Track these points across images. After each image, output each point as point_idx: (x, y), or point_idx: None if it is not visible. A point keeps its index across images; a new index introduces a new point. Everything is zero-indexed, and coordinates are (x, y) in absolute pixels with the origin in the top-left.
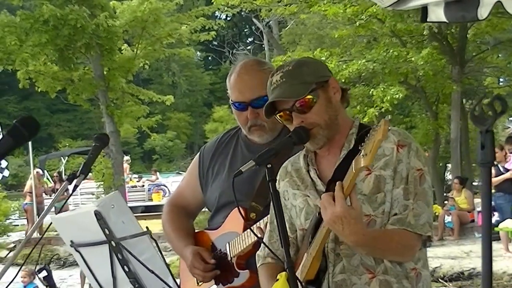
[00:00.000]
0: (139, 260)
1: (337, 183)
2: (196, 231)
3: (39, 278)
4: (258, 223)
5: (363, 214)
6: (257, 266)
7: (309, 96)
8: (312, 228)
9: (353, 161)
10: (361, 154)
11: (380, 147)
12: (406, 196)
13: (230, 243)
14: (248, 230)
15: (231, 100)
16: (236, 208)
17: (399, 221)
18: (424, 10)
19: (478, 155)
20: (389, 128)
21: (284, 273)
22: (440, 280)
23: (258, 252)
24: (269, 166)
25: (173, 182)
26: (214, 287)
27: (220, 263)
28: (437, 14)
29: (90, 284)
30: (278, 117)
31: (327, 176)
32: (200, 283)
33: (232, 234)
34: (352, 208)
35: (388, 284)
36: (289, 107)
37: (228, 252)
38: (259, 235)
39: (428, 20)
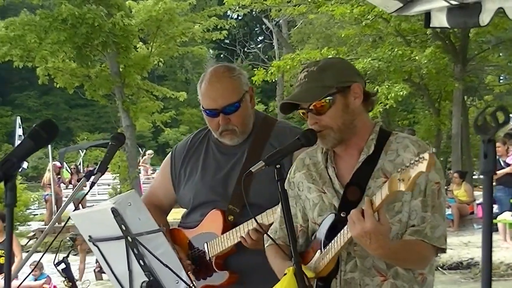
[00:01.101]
0: (154, 255)
1: (366, 199)
2: (171, 228)
3: (58, 270)
4: (238, 227)
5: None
6: (265, 246)
7: (326, 99)
8: (328, 228)
9: (388, 182)
10: (398, 177)
11: (399, 156)
12: (424, 209)
13: (208, 243)
14: (229, 232)
15: (203, 107)
16: (213, 210)
17: (416, 232)
18: (427, 15)
19: (480, 164)
20: (405, 135)
21: (291, 268)
22: (439, 268)
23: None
24: (278, 166)
25: None
26: None
27: (198, 261)
28: (440, 20)
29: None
30: (300, 113)
31: (344, 176)
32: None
33: (210, 235)
34: (381, 224)
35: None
36: (305, 107)
37: (207, 252)
38: (251, 235)
39: (431, 25)
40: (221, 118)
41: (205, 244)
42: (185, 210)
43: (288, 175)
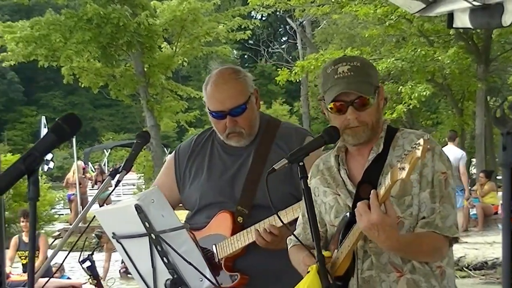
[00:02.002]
0: (177, 252)
1: (371, 191)
2: None
3: (83, 268)
4: (249, 228)
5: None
6: (289, 247)
7: (370, 96)
8: (343, 227)
9: (390, 172)
10: (398, 166)
11: (405, 151)
12: (432, 200)
13: (217, 245)
14: (238, 233)
15: (209, 109)
16: (222, 212)
17: (427, 224)
18: (450, 16)
19: (499, 157)
20: (411, 131)
21: (314, 265)
22: (464, 269)
23: (290, 237)
24: (301, 164)
25: None
26: None
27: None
28: (463, 20)
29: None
30: (333, 105)
31: (356, 176)
32: None
33: (219, 237)
34: (387, 216)
35: (416, 283)
36: (349, 100)
37: (216, 254)
38: (262, 235)
39: (454, 26)
40: (228, 120)
41: (214, 246)
42: (188, 211)
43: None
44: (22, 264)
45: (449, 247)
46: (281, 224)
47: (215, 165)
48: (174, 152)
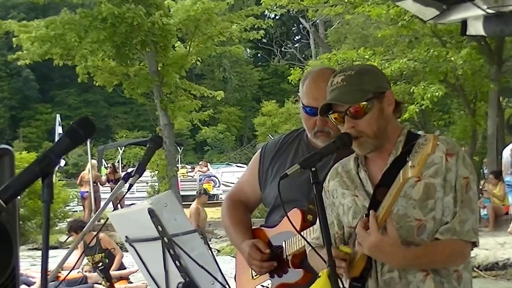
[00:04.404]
0: (190, 256)
1: (370, 213)
2: (253, 227)
3: (96, 271)
4: (307, 229)
5: (414, 218)
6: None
7: (363, 103)
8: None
9: (401, 170)
10: (409, 164)
11: (415, 150)
12: (454, 204)
13: (287, 241)
14: (306, 230)
15: (303, 104)
16: (293, 209)
17: (446, 230)
18: (464, 23)
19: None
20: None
21: (325, 270)
22: (475, 269)
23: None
24: (313, 169)
25: (223, 172)
26: (268, 282)
27: (275, 259)
28: (476, 28)
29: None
30: (332, 117)
31: (375, 177)
32: (255, 277)
33: (289, 234)
34: (387, 236)
35: (441, 282)
36: (343, 110)
37: (285, 250)
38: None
39: (467, 33)
40: (318, 118)
41: (283, 242)
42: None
43: (324, 184)
44: (93, 267)
45: (470, 250)
46: None
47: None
48: (260, 149)
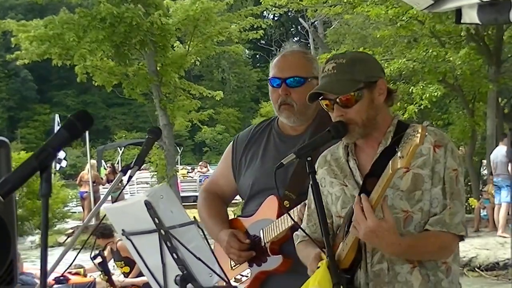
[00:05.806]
0: (187, 248)
1: (362, 197)
2: (230, 218)
3: (94, 264)
4: (292, 210)
5: (401, 210)
6: (296, 243)
7: (353, 93)
8: (349, 218)
9: (390, 161)
10: (398, 155)
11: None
12: (444, 196)
13: (264, 229)
14: (283, 216)
15: (269, 78)
16: (270, 197)
17: (436, 221)
18: (458, 12)
19: (507, 153)
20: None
21: (324, 261)
22: (476, 269)
23: (296, 232)
24: (309, 159)
25: None
26: (247, 271)
27: (254, 248)
28: (471, 16)
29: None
30: (323, 104)
31: (365, 167)
32: (234, 267)
33: (266, 221)
34: (384, 221)
35: (427, 275)
36: (332, 99)
37: (262, 238)
38: (295, 220)
39: (462, 21)
40: (281, 89)
41: (261, 230)
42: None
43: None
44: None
45: (457, 243)
46: None
47: (269, 152)
48: (232, 140)
